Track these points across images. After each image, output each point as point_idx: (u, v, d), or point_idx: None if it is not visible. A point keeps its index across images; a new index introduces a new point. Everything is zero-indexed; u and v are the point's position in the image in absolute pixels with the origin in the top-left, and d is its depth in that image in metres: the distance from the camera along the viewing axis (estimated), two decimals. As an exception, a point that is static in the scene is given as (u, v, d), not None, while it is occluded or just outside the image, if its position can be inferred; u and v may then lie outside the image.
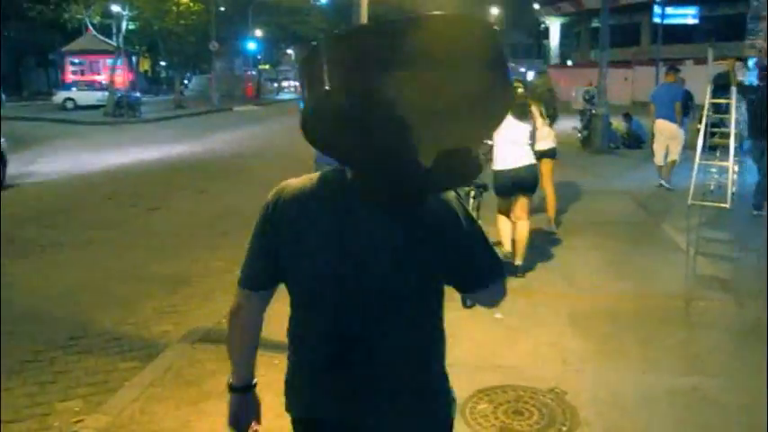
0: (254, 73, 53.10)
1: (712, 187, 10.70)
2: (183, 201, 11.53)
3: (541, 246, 8.05)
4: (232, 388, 2.06)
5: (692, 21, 18.16)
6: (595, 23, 45.49)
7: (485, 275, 1.88)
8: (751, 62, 13.33)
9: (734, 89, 10.43)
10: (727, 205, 9.92)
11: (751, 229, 9.21)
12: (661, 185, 11.78)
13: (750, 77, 12.53)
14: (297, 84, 43.99)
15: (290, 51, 62.76)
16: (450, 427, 1.99)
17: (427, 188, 1.70)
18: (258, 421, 2.09)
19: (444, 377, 1.97)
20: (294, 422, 2.00)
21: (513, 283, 6.51)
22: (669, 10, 17.12)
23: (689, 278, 6.92)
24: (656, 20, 16.66)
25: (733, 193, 10.08)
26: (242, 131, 24.98)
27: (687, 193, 10.46)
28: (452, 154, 1.61)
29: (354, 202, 1.74)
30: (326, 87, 1.48)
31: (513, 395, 4.40)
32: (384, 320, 1.81)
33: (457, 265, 1.84)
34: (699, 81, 25.19)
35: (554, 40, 59.32)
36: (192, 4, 36.38)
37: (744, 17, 28.88)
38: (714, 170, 10.82)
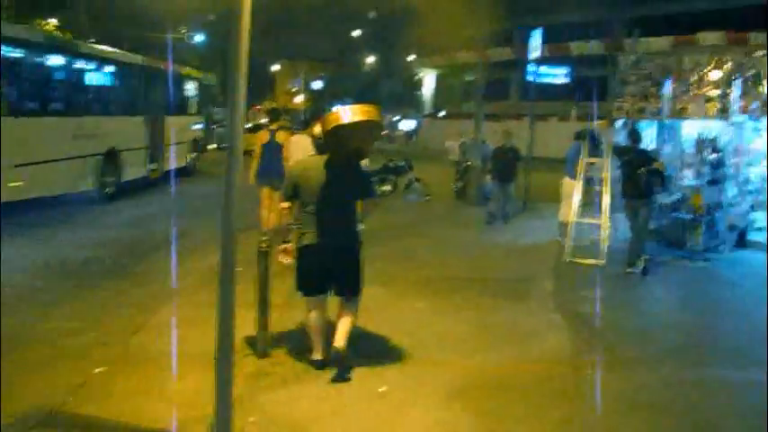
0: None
1: (586, 243, 10.87)
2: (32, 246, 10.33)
3: (423, 306, 7.72)
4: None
5: (562, 80, 18.92)
6: (468, 77, 47.13)
7: (371, 192, 5.98)
8: (619, 123, 13.86)
9: (609, 149, 10.73)
10: (602, 262, 10.09)
11: (624, 287, 9.31)
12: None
13: (618, 137, 12.98)
14: None
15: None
16: (360, 245, 5.77)
17: (355, 161, 5.73)
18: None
19: (357, 227, 5.78)
20: (299, 250, 5.60)
21: (393, 353, 6.17)
22: (542, 69, 17.61)
23: (571, 342, 6.78)
24: (530, 78, 17.06)
25: (607, 249, 10.28)
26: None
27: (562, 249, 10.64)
28: (363, 150, 5.80)
29: (327, 166, 5.55)
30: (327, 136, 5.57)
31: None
32: (338, 209, 5.56)
33: (363, 189, 5.79)
34: (562, 137, 26.54)
35: (428, 90, 60.86)
36: (58, 33, 34.45)
37: (605, 79, 30.72)
38: (587, 227, 11.02)
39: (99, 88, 15.67)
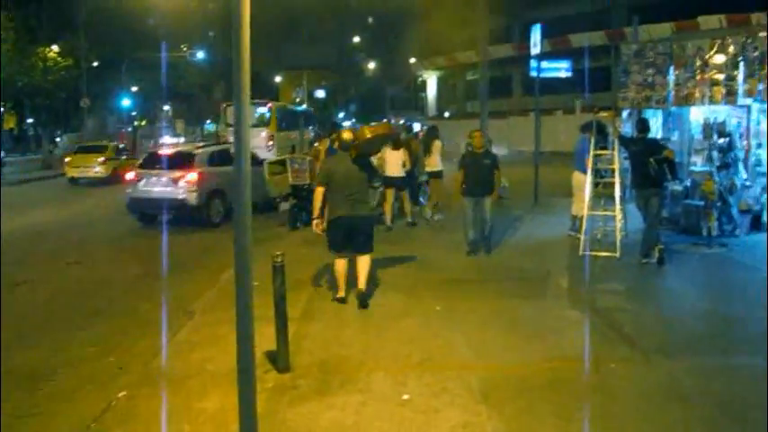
0: (129, 130, 51.08)
1: (599, 236, 10.82)
2: (51, 274, 10.39)
3: (441, 309, 7.71)
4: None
5: (564, 74, 18.83)
6: (470, 76, 47.10)
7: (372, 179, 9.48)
8: (625, 113, 13.79)
9: (616, 141, 10.66)
10: (617, 254, 10.04)
11: (641, 278, 9.26)
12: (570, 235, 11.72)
13: (625, 128, 12.91)
14: (175, 140, 42.79)
15: (166, 107, 60.96)
16: (372, 218, 8.89)
17: (366, 159, 8.34)
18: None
19: (370, 205, 9.75)
20: (330, 222, 7.84)
21: (414, 359, 6.15)
22: (544, 64, 17.53)
23: (592, 337, 6.74)
24: (533, 73, 16.98)
25: (621, 240, 10.22)
26: (120, 193, 23.00)
27: (576, 243, 10.58)
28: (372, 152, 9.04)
29: (348, 163, 7.87)
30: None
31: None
32: (355, 191, 7.83)
33: (370, 176, 8.47)
34: (568, 130, 26.44)
35: (431, 92, 60.85)
36: (60, 59, 34.63)
37: (608, 70, 30.56)
38: (600, 219, 10.97)
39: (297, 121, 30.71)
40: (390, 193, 13.13)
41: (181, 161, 14.57)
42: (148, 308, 8.14)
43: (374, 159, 11.04)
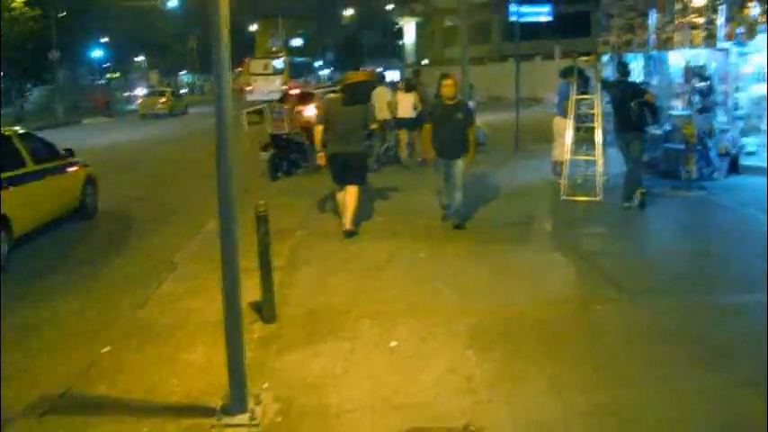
0: (102, 83, 50.03)
1: (580, 180, 10.84)
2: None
3: (425, 255, 7.71)
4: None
5: (545, 18, 18.56)
6: (448, 23, 46.51)
7: (368, 122, 9.23)
8: (605, 57, 13.72)
9: (598, 85, 10.60)
10: (599, 198, 10.08)
11: (623, 221, 9.31)
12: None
13: (606, 72, 12.84)
14: (153, 92, 42.59)
15: (140, 58, 59.61)
16: (365, 154, 9.54)
17: (360, 102, 8.86)
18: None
19: (365, 138, 9.77)
20: (329, 157, 8.79)
21: (401, 305, 6.15)
22: (524, 9, 17.24)
23: (577, 279, 6.79)
24: (513, 18, 16.71)
25: (602, 184, 10.26)
26: (100, 147, 21.73)
27: (558, 188, 10.60)
28: (363, 96, 9.12)
29: (342, 104, 8.76)
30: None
31: (424, 440, 3.94)
32: (352, 131, 8.75)
33: (365, 119, 8.95)
34: (548, 75, 26.25)
35: (409, 39, 60.14)
36: (26, 9, 33.54)
37: (587, 14, 30.28)
38: (581, 163, 10.98)
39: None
40: (404, 133, 14.16)
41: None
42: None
43: (385, 102, 13.63)
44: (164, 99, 38.67)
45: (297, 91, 19.17)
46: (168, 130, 29.54)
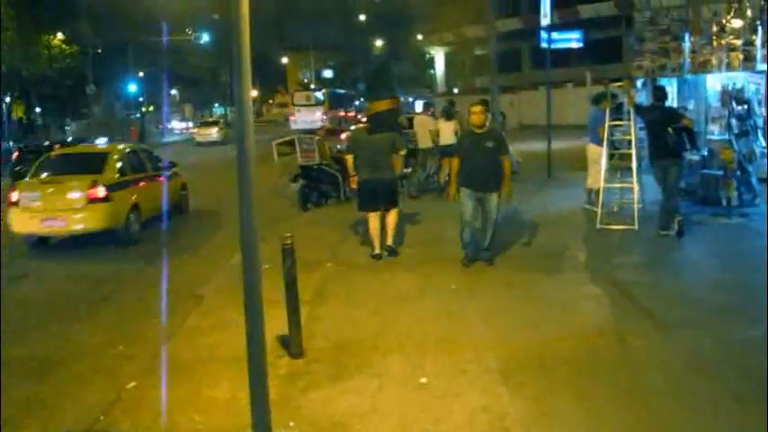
0: (137, 116, 50.98)
1: (616, 209, 10.59)
2: (59, 263, 10.28)
3: (456, 287, 7.52)
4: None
5: (576, 45, 18.39)
6: (478, 51, 46.52)
7: (397, 149, 9.19)
8: (639, 83, 13.50)
9: (631, 110, 10.38)
10: (635, 227, 9.80)
11: (660, 250, 9.03)
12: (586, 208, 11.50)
13: (640, 98, 12.61)
14: (185, 125, 43.70)
15: (173, 92, 60.75)
16: (395, 180, 9.53)
17: (386, 131, 9.16)
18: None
19: (394, 168, 9.21)
20: (359, 183, 9.22)
21: (431, 340, 5.96)
22: (555, 35, 17.12)
23: (613, 311, 6.54)
24: (544, 45, 16.58)
25: (638, 212, 9.99)
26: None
27: (593, 217, 10.35)
28: (390, 124, 9.45)
29: (369, 134, 9.30)
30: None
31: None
32: (380, 160, 8.99)
33: (392, 147, 9.06)
34: (579, 102, 26.03)
35: (439, 69, 60.28)
36: (64, 47, 34.42)
37: (618, 39, 30.03)
38: (616, 191, 10.73)
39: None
40: (447, 161, 13.75)
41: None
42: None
43: (427, 130, 14.37)
44: (216, 128, 42.37)
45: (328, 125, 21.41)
46: (219, 155, 29.75)
